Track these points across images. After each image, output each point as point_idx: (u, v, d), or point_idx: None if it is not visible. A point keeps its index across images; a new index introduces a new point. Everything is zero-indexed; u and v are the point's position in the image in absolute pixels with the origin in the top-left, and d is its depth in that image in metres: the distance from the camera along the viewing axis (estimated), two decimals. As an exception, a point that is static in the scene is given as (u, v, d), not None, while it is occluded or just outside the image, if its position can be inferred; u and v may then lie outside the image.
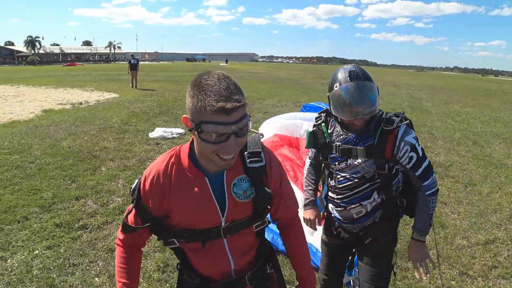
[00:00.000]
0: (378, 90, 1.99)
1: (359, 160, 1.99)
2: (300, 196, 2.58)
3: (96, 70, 44.04)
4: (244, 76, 34.01)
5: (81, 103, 13.92)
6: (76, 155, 6.84)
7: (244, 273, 1.51)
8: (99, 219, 4.41)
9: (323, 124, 2.17)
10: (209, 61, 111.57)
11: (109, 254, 3.70)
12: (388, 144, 1.92)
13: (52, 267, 3.45)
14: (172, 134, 8.75)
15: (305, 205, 2.40)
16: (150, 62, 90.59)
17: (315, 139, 2.17)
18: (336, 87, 1.94)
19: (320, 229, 2.50)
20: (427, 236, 2.13)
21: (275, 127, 5.96)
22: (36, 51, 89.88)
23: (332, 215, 2.26)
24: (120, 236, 1.51)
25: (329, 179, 2.21)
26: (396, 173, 2.05)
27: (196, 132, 1.21)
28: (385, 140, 1.93)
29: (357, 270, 2.53)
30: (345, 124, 2.03)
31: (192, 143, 1.38)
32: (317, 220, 2.37)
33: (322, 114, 2.21)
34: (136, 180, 1.45)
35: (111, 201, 4.97)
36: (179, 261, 1.57)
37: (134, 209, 1.41)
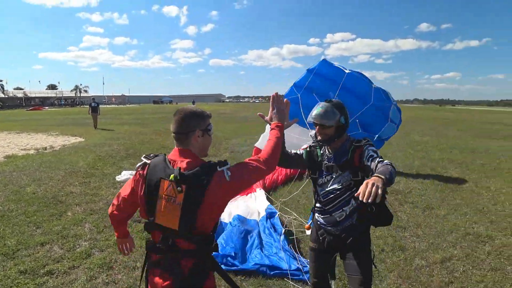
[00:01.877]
0: (343, 119, 2.69)
1: (339, 173, 2.68)
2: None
3: (61, 114, 43.36)
4: (211, 117, 34.33)
5: (45, 148, 13.68)
6: (41, 201, 6.73)
7: None
8: (65, 264, 4.35)
9: (317, 147, 2.86)
10: (176, 103, 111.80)
11: (76, 298, 3.68)
12: (356, 155, 2.62)
13: (16, 315, 3.39)
14: (139, 176, 8.65)
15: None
16: (117, 105, 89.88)
17: (310, 155, 2.87)
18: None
19: None
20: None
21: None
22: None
23: (318, 222, 2.88)
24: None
25: (316, 194, 2.85)
26: None
27: (207, 133, 2.14)
28: (354, 153, 2.64)
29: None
30: (319, 139, 2.75)
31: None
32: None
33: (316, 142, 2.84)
34: None
35: (78, 246, 4.91)
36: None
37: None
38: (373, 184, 1.97)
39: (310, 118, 2.73)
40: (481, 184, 8.62)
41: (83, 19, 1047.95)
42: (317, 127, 2.72)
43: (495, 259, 4.65)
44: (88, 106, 24.92)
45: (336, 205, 2.71)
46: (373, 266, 2.74)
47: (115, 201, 2.27)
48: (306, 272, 3.98)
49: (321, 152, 2.82)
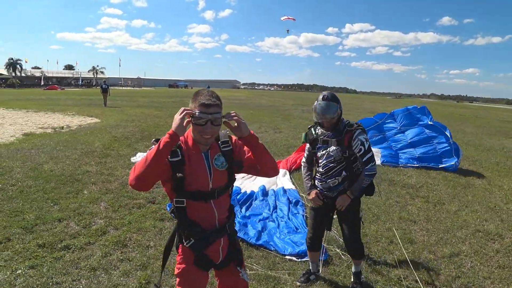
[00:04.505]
0: (340, 107, 3.39)
1: (333, 148, 3.39)
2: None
3: (78, 94, 43.92)
4: (225, 103, 34.19)
5: (62, 128, 13.97)
6: (58, 178, 6.92)
7: (223, 224, 2.26)
8: (81, 240, 4.51)
9: (312, 128, 3.58)
10: (191, 87, 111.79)
11: (92, 273, 3.81)
12: (347, 137, 3.35)
13: (35, 286, 3.53)
14: (154, 159, 8.79)
15: (308, 190, 3.65)
16: (132, 88, 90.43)
17: (308, 136, 3.59)
18: (316, 102, 3.39)
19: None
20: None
21: None
22: (17, 74, 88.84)
23: (318, 188, 3.61)
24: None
25: (316, 165, 3.60)
26: (355, 159, 3.42)
27: (192, 120, 2.01)
28: (346, 134, 3.35)
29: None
30: (323, 125, 3.45)
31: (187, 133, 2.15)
32: (318, 196, 3.57)
33: (313, 124, 3.61)
34: None
35: (93, 223, 5.07)
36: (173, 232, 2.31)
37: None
38: (342, 204, 3.40)
39: (317, 118, 3.40)
40: (494, 182, 8.55)
41: (101, 0, 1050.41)
42: (323, 120, 3.39)
43: (503, 257, 4.65)
44: (99, 87, 29.92)
45: (331, 174, 3.47)
46: (361, 222, 3.61)
47: None
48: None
49: (317, 130, 3.53)
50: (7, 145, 10.15)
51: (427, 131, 10.01)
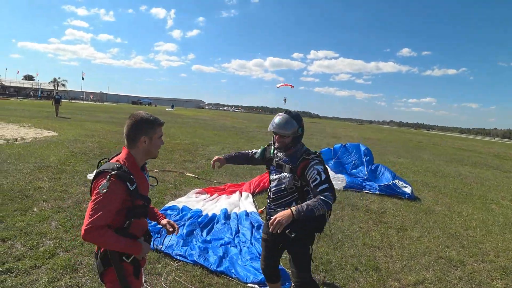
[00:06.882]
0: (300, 130, 3.11)
1: (285, 174, 3.09)
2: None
3: (35, 106, 42.12)
4: (189, 122, 34.18)
5: (16, 140, 13.16)
6: (6, 194, 6.40)
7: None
8: (26, 263, 4.10)
9: (272, 147, 3.27)
10: (155, 105, 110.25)
11: (35, 300, 3.45)
12: (301, 166, 3.00)
13: (-33, 315, 3.14)
14: (112, 176, 8.36)
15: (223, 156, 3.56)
16: (94, 102, 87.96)
17: (264, 152, 3.38)
18: (277, 114, 3.18)
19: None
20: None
21: None
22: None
23: (268, 216, 3.25)
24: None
25: (269, 190, 3.29)
26: (308, 192, 3.04)
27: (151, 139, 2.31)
28: (301, 163, 3.01)
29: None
30: (274, 142, 3.18)
31: (126, 159, 2.27)
32: (218, 160, 3.48)
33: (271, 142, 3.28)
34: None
35: (42, 244, 4.65)
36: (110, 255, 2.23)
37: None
38: (278, 221, 2.68)
39: (270, 128, 3.10)
40: (453, 208, 8.77)
41: (68, 11, 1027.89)
42: (277, 135, 3.12)
43: (466, 285, 4.68)
44: (52, 98, 31.34)
45: (280, 203, 3.14)
46: (311, 261, 3.15)
47: None
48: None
49: (275, 151, 3.25)
50: (-48, 156, 9.38)
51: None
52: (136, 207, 2.20)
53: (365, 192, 9.27)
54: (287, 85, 64.05)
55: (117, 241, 2.10)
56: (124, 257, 2.25)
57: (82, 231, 2.00)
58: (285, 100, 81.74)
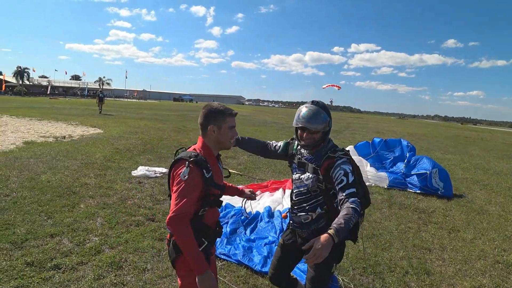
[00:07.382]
0: (330, 123, 2.65)
1: (308, 175, 2.64)
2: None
3: (82, 104, 43.95)
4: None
5: (64, 137, 13.73)
6: (55, 190, 6.63)
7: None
8: (73, 259, 4.18)
9: (296, 142, 2.83)
10: (196, 102, 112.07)
11: (82, 296, 3.49)
12: (324, 165, 2.54)
13: (18, 310, 3.22)
14: (155, 174, 8.49)
15: None
16: (138, 100, 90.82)
17: (287, 147, 2.92)
18: (302, 106, 2.67)
19: None
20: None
21: None
22: (25, 82, 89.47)
23: (291, 221, 2.90)
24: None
25: (292, 191, 2.85)
26: (335, 195, 2.53)
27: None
28: (325, 161, 2.55)
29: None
30: (301, 138, 2.66)
31: (201, 147, 2.32)
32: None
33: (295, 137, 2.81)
34: None
35: (88, 240, 4.75)
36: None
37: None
38: (318, 254, 1.95)
39: (297, 122, 2.62)
40: (509, 209, 8.19)
41: (111, 13, 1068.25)
42: (304, 131, 2.61)
43: (528, 293, 4.30)
44: (96, 96, 32.07)
45: (303, 207, 2.72)
46: (329, 279, 2.75)
47: None
48: None
49: (299, 147, 2.80)
50: (6, 153, 9.89)
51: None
52: (211, 195, 2.25)
53: (410, 191, 8.85)
54: (333, 85, 59.42)
55: (192, 244, 2.07)
56: None
57: (167, 219, 2.07)
58: (331, 101, 76.47)
